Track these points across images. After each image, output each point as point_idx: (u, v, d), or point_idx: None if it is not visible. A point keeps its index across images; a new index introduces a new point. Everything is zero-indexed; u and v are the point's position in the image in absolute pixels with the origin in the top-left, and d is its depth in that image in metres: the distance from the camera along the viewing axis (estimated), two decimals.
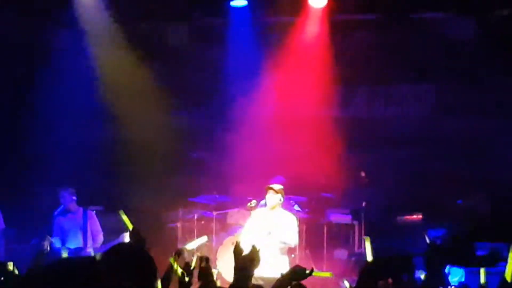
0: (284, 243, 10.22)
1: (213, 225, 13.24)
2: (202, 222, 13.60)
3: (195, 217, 13.55)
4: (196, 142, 14.74)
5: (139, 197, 13.08)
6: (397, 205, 14.13)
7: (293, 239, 10.33)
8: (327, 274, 8.28)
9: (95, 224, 11.68)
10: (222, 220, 13.40)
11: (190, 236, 13.45)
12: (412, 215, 14.04)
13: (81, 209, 11.62)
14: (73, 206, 11.63)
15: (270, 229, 10.23)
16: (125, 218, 5.74)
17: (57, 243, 11.37)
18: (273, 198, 10.39)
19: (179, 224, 13.77)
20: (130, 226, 5.53)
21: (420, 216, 14.01)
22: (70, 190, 11.63)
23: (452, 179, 14.05)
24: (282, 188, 10.57)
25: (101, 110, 14.01)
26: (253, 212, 10.87)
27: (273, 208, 10.36)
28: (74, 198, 11.62)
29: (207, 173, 14.21)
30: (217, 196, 13.42)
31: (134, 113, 13.94)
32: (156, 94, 14.07)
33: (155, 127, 13.94)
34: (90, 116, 14.07)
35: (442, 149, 14.30)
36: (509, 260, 4.55)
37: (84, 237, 11.44)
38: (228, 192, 13.64)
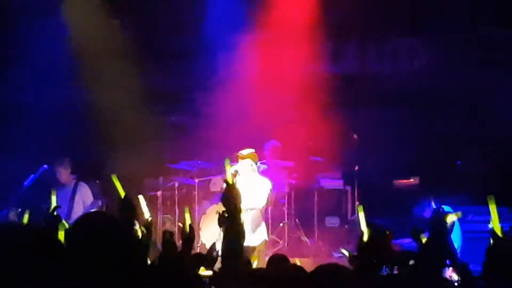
0: (251, 208, 10.34)
1: (195, 193, 12.93)
2: (184, 190, 13.34)
3: (176, 185, 13.26)
4: (176, 105, 14.40)
5: (115, 165, 12.59)
6: (392, 168, 13.73)
7: (259, 201, 10.51)
8: None
9: (87, 195, 11.56)
10: (204, 187, 13.14)
11: (171, 205, 13.26)
12: (408, 178, 13.78)
13: (74, 181, 11.55)
14: (67, 178, 11.51)
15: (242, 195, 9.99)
16: (117, 184, 5.43)
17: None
18: (242, 164, 10.55)
19: (159, 193, 13.42)
20: (122, 193, 5.24)
21: (417, 180, 13.73)
22: (66, 162, 11.52)
23: (450, 139, 13.78)
24: (252, 153, 10.71)
25: (76, 74, 13.66)
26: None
27: (236, 173, 10.23)
28: (69, 170, 11.53)
29: (189, 138, 13.78)
30: (199, 162, 13.20)
31: (110, 76, 13.63)
32: (133, 55, 13.68)
33: (132, 90, 13.59)
34: (62, 81, 13.60)
35: (439, 107, 14.00)
36: (492, 214, 4.40)
37: (69, 209, 11.28)
38: (211, 158, 13.25)
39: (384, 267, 5.20)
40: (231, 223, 4.73)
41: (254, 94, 13.49)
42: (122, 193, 5.25)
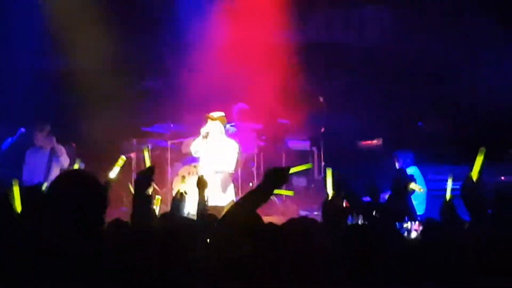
0: (221, 171, 10.36)
1: (168, 155, 13.02)
2: (157, 152, 13.34)
3: (150, 147, 13.08)
4: (147, 70, 14.51)
5: (90, 129, 12.91)
6: (357, 130, 14.04)
7: (229, 165, 10.47)
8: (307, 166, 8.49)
9: (64, 157, 11.51)
10: (177, 149, 13.10)
11: (145, 167, 13.13)
12: (372, 140, 14.03)
13: (50, 144, 11.43)
14: (44, 141, 11.46)
15: (212, 158, 10.43)
16: (147, 156, 5.42)
17: None
18: (211, 125, 10.53)
19: (133, 155, 13.45)
20: (148, 164, 5.27)
21: (381, 141, 13.97)
22: (47, 129, 11.46)
23: (412, 102, 14.03)
24: (222, 116, 10.69)
25: (51, 41, 13.65)
26: (195, 141, 10.86)
27: (207, 135, 10.45)
28: (50, 134, 11.47)
29: (161, 102, 13.95)
30: (171, 125, 13.27)
31: (85, 43, 13.61)
32: (105, 21, 13.61)
33: (106, 56, 13.51)
34: (36, 46, 13.66)
35: (402, 73, 14.15)
36: (476, 162, 4.74)
37: (46, 171, 11.33)
38: (183, 121, 13.40)
39: (349, 216, 5.57)
40: None
41: (224, 59, 13.48)
42: (148, 164, 5.28)
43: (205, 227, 4.85)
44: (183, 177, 11.00)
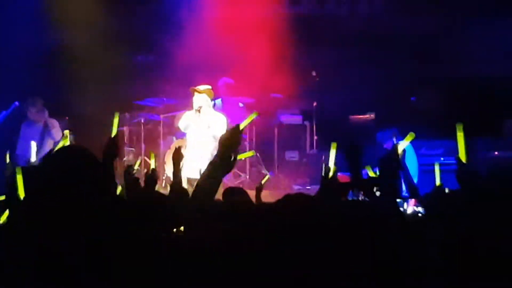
0: (214, 136, 10.04)
1: (160, 128, 13.08)
2: (149, 125, 13.48)
3: (142, 120, 13.37)
4: (139, 44, 14.44)
5: (83, 103, 12.88)
6: (349, 105, 14.04)
7: (217, 133, 10.02)
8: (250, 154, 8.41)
9: (57, 131, 11.59)
10: (169, 123, 13.12)
11: (137, 140, 13.42)
12: (364, 114, 14.09)
13: (44, 118, 11.60)
14: (38, 115, 11.61)
15: (202, 131, 10.32)
16: (116, 122, 5.04)
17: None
18: (198, 99, 10.40)
19: (125, 128, 13.61)
20: (114, 133, 4.95)
21: (373, 116, 14.02)
22: (37, 101, 11.61)
23: (404, 77, 14.07)
24: (208, 89, 10.56)
25: (43, 15, 13.51)
26: (184, 115, 10.81)
27: (200, 108, 10.33)
28: (43, 109, 11.63)
29: (154, 76, 13.93)
30: (164, 99, 13.28)
31: (77, 17, 13.50)
32: None
33: (95, 31, 13.45)
34: (30, 22, 13.47)
35: (395, 49, 14.14)
36: (458, 141, 4.55)
37: (39, 145, 11.10)
38: (175, 95, 13.31)
39: (350, 192, 5.32)
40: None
41: (216, 32, 13.46)
42: (114, 133, 4.94)
43: (176, 202, 4.62)
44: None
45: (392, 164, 4.53)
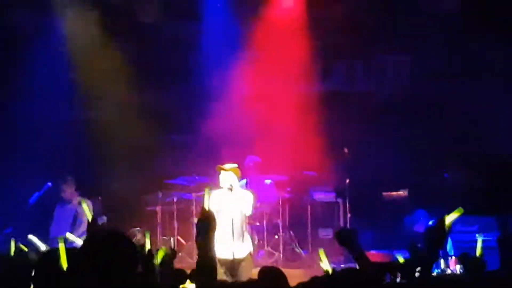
0: (241, 211, 9.93)
1: (193, 207, 13.02)
2: (182, 204, 13.41)
3: (175, 199, 13.36)
4: (172, 122, 14.47)
5: (116, 181, 12.94)
6: (382, 181, 14.03)
7: (248, 209, 10.02)
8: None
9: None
10: (202, 202, 12.93)
11: (170, 219, 13.36)
12: (398, 191, 14.00)
13: (76, 198, 11.50)
14: (71, 195, 11.59)
15: (228, 208, 9.97)
16: (85, 207, 5.57)
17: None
18: (227, 177, 10.10)
19: (158, 208, 13.54)
20: (90, 216, 5.31)
21: (406, 193, 13.95)
22: (70, 180, 11.58)
23: (437, 153, 14.03)
24: (235, 167, 10.28)
25: (74, 91, 13.76)
26: (213, 196, 10.58)
27: (231, 187, 10.02)
28: (74, 187, 11.59)
29: (186, 154, 13.93)
30: (196, 177, 13.21)
31: (108, 94, 13.68)
32: (130, 73, 13.79)
33: (131, 108, 13.67)
34: (62, 98, 13.80)
35: (424, 122, 14.22)
36: (453, 215, 4.59)
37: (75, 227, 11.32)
38: (207, 173, 13.00)
39: (388, 275, 5.33)
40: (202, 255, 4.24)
41: (248, 111, 13.62)
42: (90, 216, 5.30)
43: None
44: None
45: (439, 237, 4.51)
